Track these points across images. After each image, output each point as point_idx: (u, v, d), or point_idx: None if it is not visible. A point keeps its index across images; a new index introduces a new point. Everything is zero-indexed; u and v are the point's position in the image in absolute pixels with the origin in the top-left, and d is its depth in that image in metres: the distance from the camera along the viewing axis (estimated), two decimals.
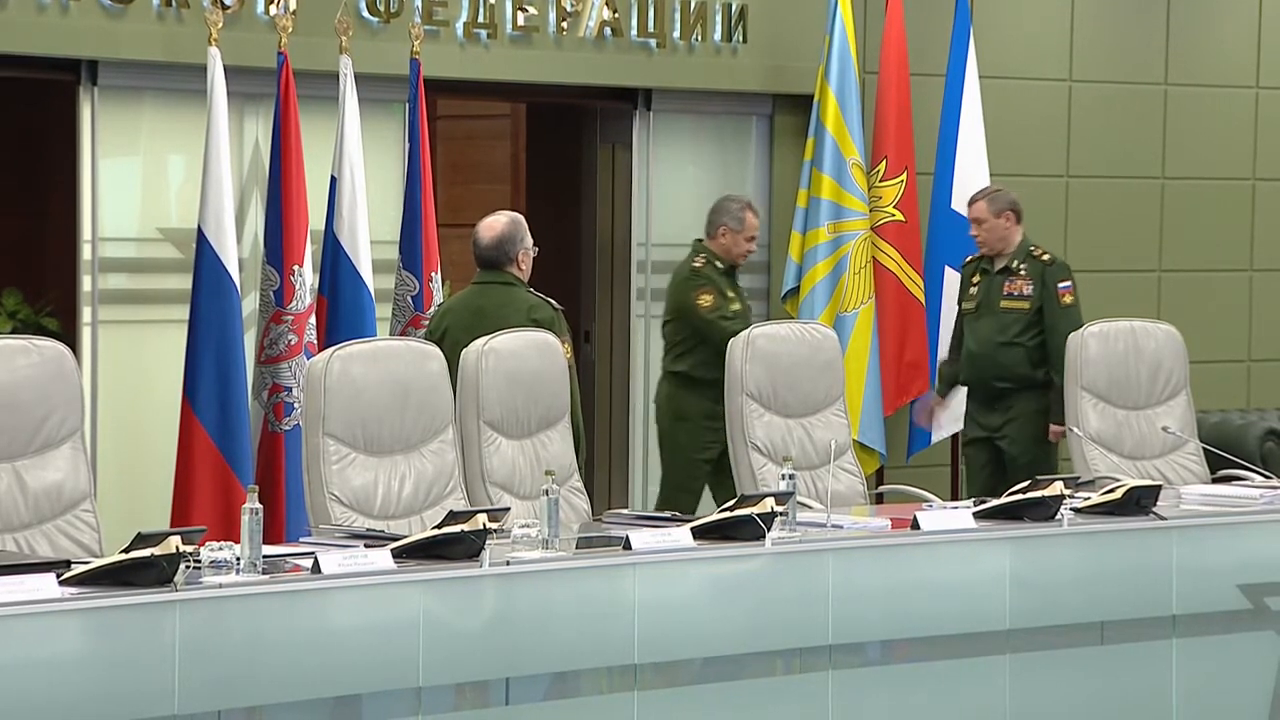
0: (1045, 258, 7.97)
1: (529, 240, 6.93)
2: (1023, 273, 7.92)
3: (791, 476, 5.69)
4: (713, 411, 7.43)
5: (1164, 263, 9.72)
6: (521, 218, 6.98)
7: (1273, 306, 9.52)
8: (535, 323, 6.67)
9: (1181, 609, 6.09)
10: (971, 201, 8.02)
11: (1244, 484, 6.77)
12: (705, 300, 7.75)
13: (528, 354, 6.41)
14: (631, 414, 8.76)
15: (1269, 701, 6.25)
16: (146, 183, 7.73)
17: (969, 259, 8.08)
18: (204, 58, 6.98)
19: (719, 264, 7.84)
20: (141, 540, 4.55)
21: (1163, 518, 6.11)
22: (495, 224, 6.87)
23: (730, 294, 7.83)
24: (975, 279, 8.01)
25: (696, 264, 7.85)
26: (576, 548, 5.29)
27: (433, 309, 7.36)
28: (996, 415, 8.00)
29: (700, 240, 7.92)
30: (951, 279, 8.73)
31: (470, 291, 6.94)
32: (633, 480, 8.70)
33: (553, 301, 6.87)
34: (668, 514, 6.13)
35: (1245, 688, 6.22)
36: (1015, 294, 7.92)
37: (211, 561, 4.68)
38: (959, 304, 8.14)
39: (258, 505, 4.76)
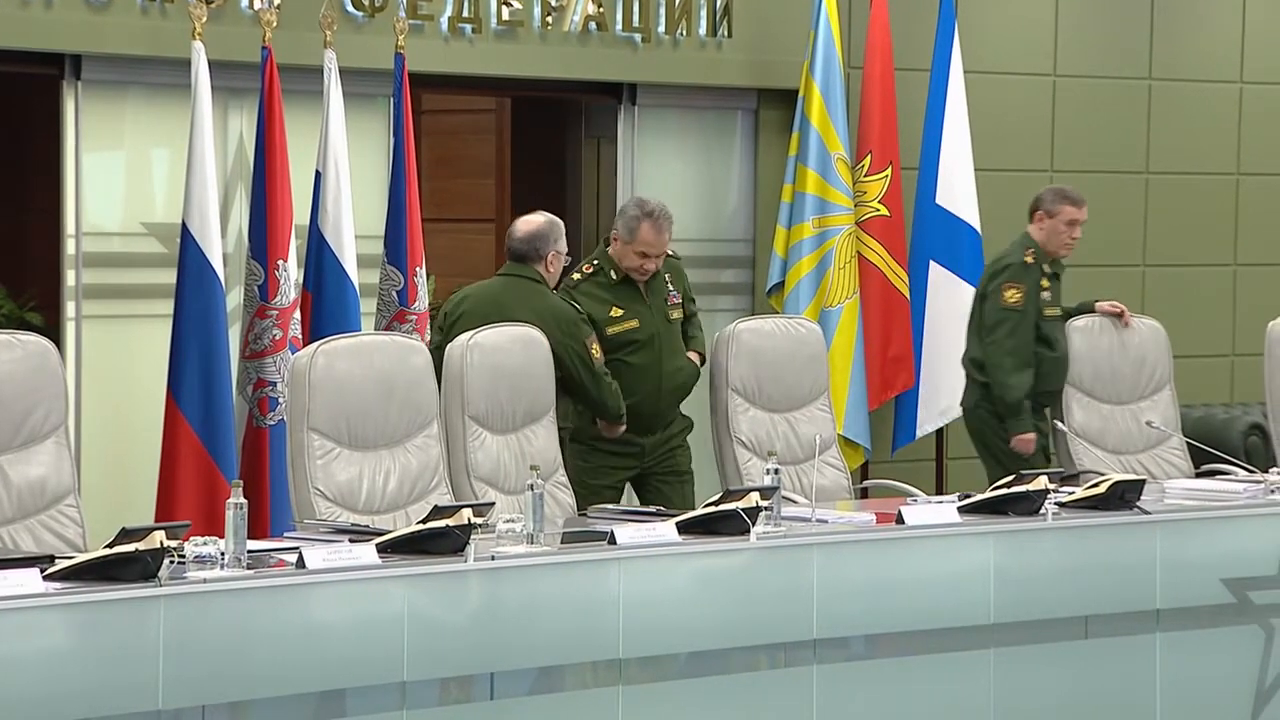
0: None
1: (563, 244, 6.81)
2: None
3: (776, 471, 5.69)
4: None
5: (1148, 257, 9.73)
6: (560, 222, 6.89)
7: (1256, 301, 9.53)
8: (557, 323, 6.62)
9: (1165, 603, 6.10)
10: (1082, 203, 7.66)
11: (1227, 478, 6.79)
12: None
13: (512, 349, 6.41)
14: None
15: (1252, 696, 6.26)
16: (130, 177, 7.72)
17: (1026, 263, 7.57)
18: (188, 52, 6.97)
19: (613, 275, 7.01)
20: (126, 535, 4.55)
21: (1147, 512, 6.12)
22: (533, 220, 6.85)
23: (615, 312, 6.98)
24: (1045, 285, 7.59)
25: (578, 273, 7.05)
26: (561, 542, 5.30)
27: (417, 303, 7.36)
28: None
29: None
30: (937, 274, 8.74)
31: (493, 282, 6.91)
32: None
33: (578, 305, 6.80)
34: (653, 509, 6.14)
35: (1229, 682, 6.23)
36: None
37: (196, 556, 4.68)
38: (1040, 311, 7.55)
39: (242, 500, 4.76)
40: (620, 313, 6.94)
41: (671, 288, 7.06)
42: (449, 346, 6.33)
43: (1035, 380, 7.48)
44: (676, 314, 7.05)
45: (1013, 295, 7.47)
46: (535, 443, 6.42)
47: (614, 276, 6.95)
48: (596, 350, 6.71)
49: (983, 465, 7.66)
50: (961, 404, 7.75)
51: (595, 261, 7.01)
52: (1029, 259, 7.56)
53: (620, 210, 7.14)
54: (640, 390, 6.91)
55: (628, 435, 6.85)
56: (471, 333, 6.39)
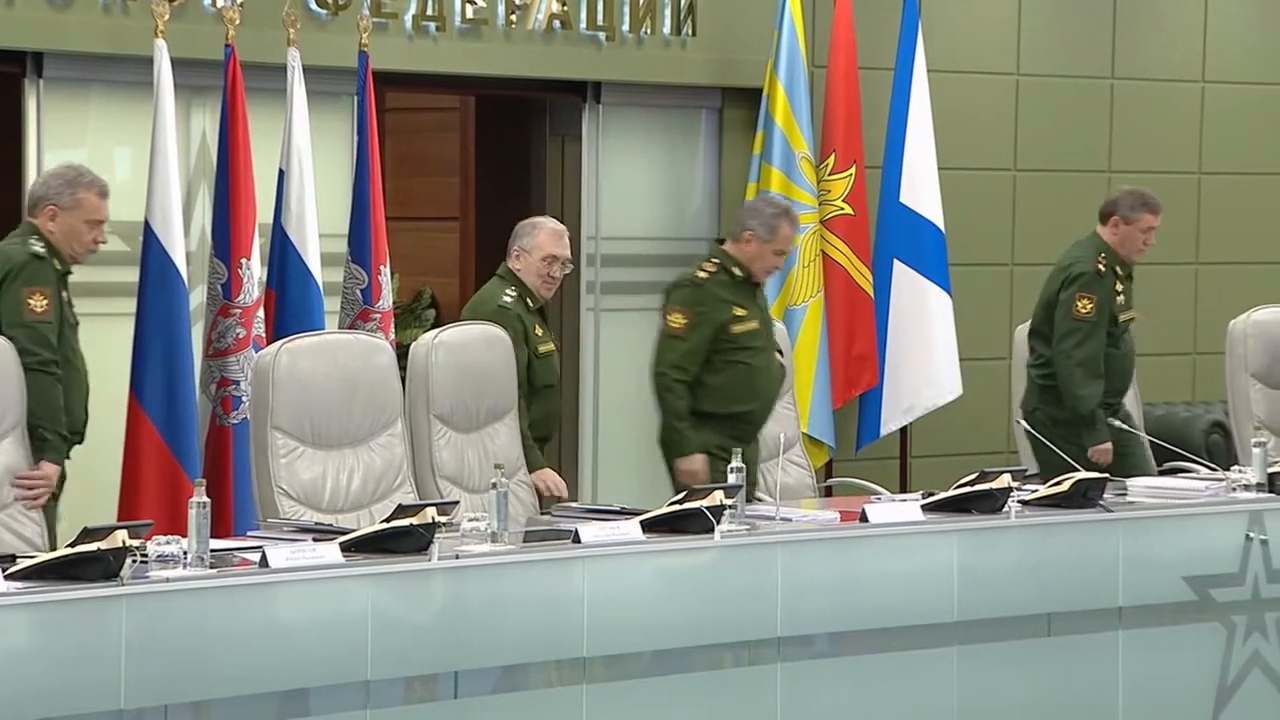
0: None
1: (530, 242, 6.71)
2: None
3: (741, 469, 5.70)
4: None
5: None
6: (545, 223, 6.81)
7: (1218, 300, 9.57)
8: (498, 316, 6.59)
9: (1127, 601, 6.12)
10: (1160, 209, 7.47)
11: (1189, 476, 6.82)
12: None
13: (476, 347, 6.41)
14: (580, 407, 8.76)
15: (1214, 693, 6.29)
16: None
17: (1099, 272, 7.38)
18: (150, 50, 6.94)
19: (735, 272, 6.86)
20: (88, 534, 4.53)
21: (1109, 510, 6.15)
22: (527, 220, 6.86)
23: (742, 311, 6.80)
24: (1119, 289, 7.41)
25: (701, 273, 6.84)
26: (525, 541, 5.29)
27: (381, 302, 7.35)
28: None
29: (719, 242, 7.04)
30: (901, 272, 8.76)
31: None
32: (581, 474, 8.70)
33: (529, 299, 6.68)
34: (617, 507, 6.13)
35: (1191, 679, 6.25)
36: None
37: (158, 555, 4.66)
38: (1115, 315, 7.39)
39: (205, 499, 4.74)
40: (744, 313, 6.81)
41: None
42: (414, 345, 6.34)
43: (1108, 380, 7.36)
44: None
45: (1085, 306, 7.32)
46: (498, 440, 6.42)
47: (736, 275, 6.80)
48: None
49: (1038, 469, 7.44)
50: (1021, 405, 7.62)
51: (716, 260, 6.83)
52: (1101, 267, 7.37)
53: (750, 210, 6.96)
54: (762, 394, 6.82)
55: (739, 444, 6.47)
56: (436, 331, 6.39)
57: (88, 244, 5.91)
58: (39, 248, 5.86)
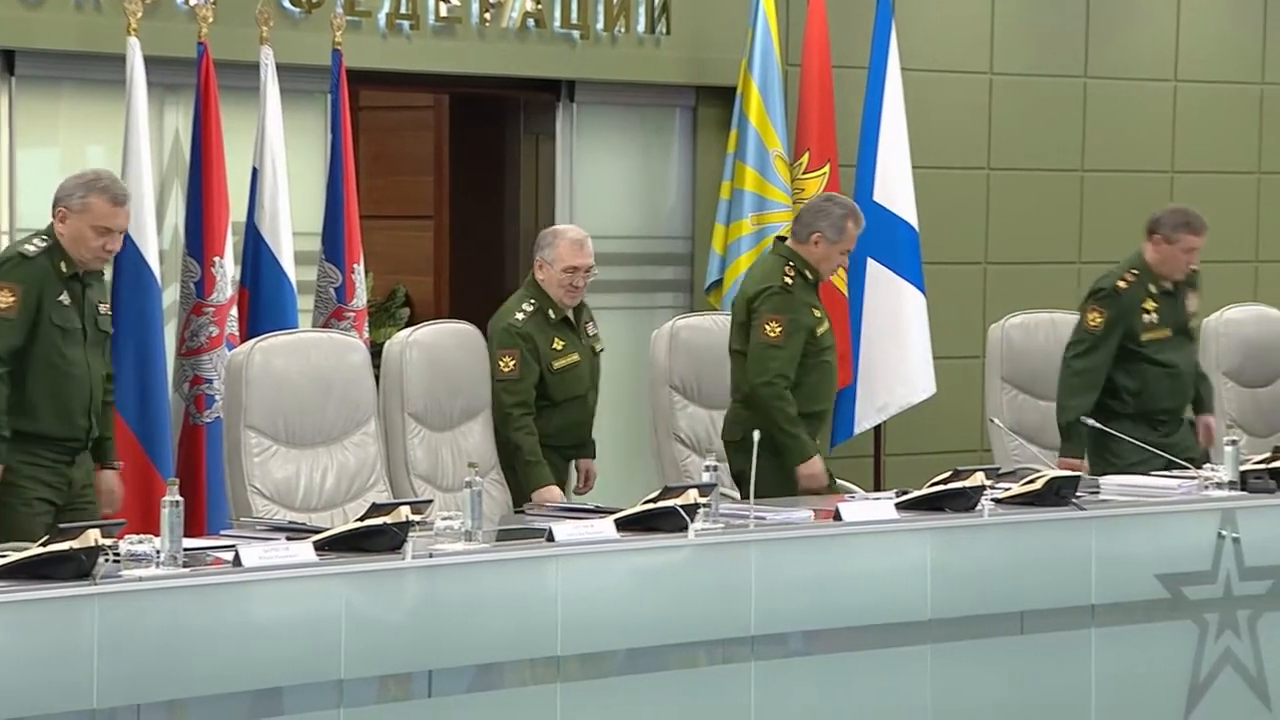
0: (1196, 266, 7.49)
1: (551, 254, 6.62)
2: (1190, 286, 7.45)
3: (715, 468, 5.70)
4: None
5: (1083, 254, 9.78)
6: (565, 233, 6.73)
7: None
8: (504, 338, 6.59)
9: (1100, 599, 6.14)
10: (1203, 230, 7.31)
11: (1162, 474, 6.83)
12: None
13: (449, 346, 6.41)
14: None
15: (1186, 690, 6.31)
16: (65, 173, 7.60)
17: (1118, 288, 7.27)
18: (123, 48, 6.93)
19: (808, 274, 6.80)
20: (60, 533, 4.52)
21: (1082, 508, 6.16)
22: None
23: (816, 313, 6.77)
24: (1150, 307, 7.30)
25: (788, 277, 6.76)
26: (499, 539, 5.29)
27: (354, 300, 7.34)
28: (1188, 435, 7.47)
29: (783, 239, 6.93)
30: (875, 271, 8.76)
31: None
32: None
33: (551, 311, 6.61)
34: (591, 505, 6.13)
35: (1163, 677, 6.27)
36: (1193, 310, 7.48)
37: (131, 554, 4.65)
38: (1136, 335, 7.27)
39: (178, 498, 4.74)
40: (820, 314, 6.81)
41: None
42: (388, 344, 6.33)
43: (1143, 398, 7.24)
44: None
45: (1095, 319, 7.26)
46: (472, 439, 6.42)
47: (809, 277, 6.78)
48: (507, 364, 6.57)
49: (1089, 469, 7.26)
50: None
51: (793, 265, 6.77)
52: (1122, 284, 7.29)
53: (816, 210, 6.86)
54: (833, 391, 6.92)
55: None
56: (410, 330, 6.39)
57: (95, 250, 5.74)
58: (33, 247, 5.79)
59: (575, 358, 6.67)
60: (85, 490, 5.85)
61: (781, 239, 6.95)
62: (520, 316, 6.61)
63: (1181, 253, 7.33)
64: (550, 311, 6.64)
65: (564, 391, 6.63)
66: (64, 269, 5.75)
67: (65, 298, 5.75)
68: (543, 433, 6.57)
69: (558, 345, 6.63)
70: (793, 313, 6.70)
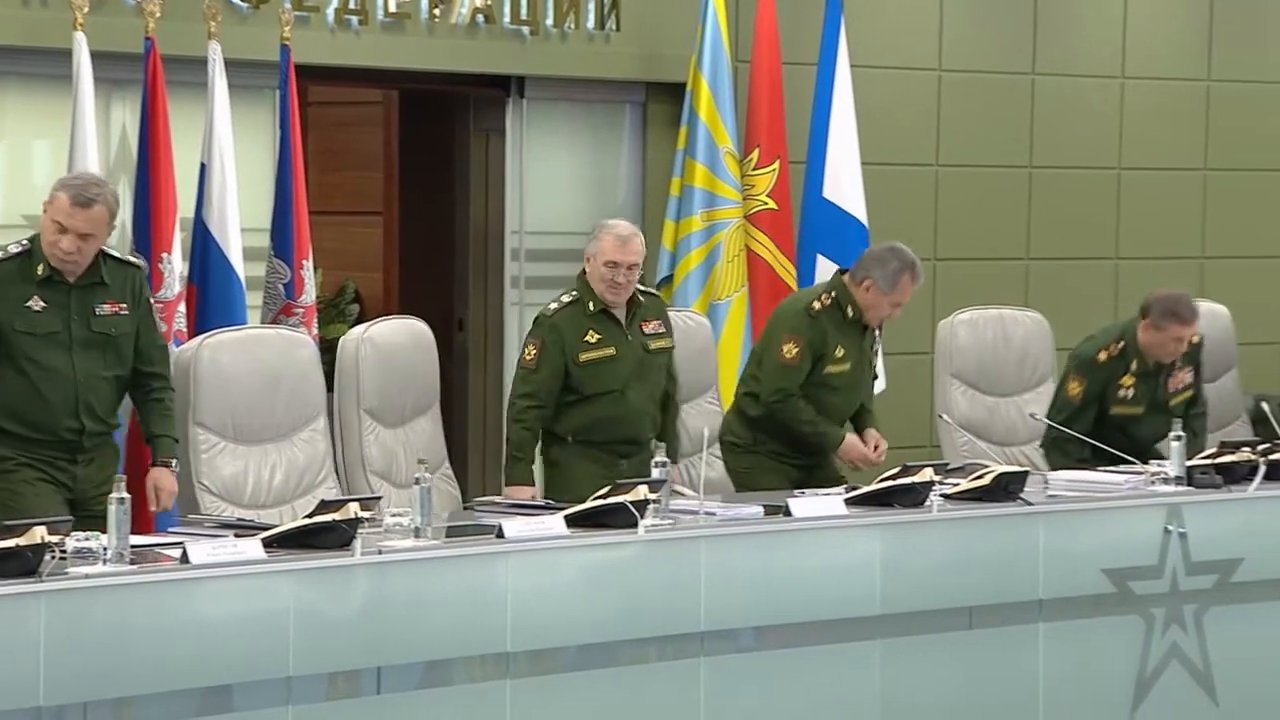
0: (1196, 338, 7.41)
1: (595, 247, 6.48)
2: (1178, 365, 7.33)
3: (664, 464, 5.70)
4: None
5: (1031, 251, 9.83)
6: (612, 227, 6.58)
7: (1137, 295, 9.57)
8: (534, 325, 6.59)
9: (1048, 593, 6.17)
10: (1191, 321, 7.19)
11: (1109, 469, 6.86)
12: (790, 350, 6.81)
13: (402, 342, 6.40)
14: (504, 401, 8.74)
15: (1133, 684, 6.34)
16: (11, 169, 7.62)
17: (1098, 360, 7.23)
18: (69, 42, 6.89)
19: (848, 311, 6.85)
20: (6, 531, 4.50)
21: (1030, 503, 6.19)
22: None
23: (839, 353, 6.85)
24: (1127, 382, 7.23)
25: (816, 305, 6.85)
26: (448, 536, 5.28)
27: (303, 296, 7.32)
28: None
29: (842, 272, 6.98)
30: (824, 267, 8.77)
31: None
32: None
33: (591, 303, 6.51)
34: (540, 502, 6.13)
35: (1110, 671, 6.30)
36: (1180, 388, 7.35)
37: (78, 552, 4.63)
38: (1109, 408, 7.21)
39: (125, 495, 4.71)
40: (841, 354, 6.86)
41: (878, 336, 7.07)
42: (343, 340, 6.32)
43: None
44: (875, 361, 7.10)
45: (1074, 388, 7.23)
46: (423, 435, 6.41)
47: (849, 314, 6.84)
48: (529, 352, 6.56)
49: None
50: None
51: (833, 295, 6.84)
52: (1103, 355, 7.25)
53: (875, 259, 6.87)
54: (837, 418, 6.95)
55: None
56: (365, 326, 6.38)
57: (49, 244, 5.57)
58: (2, 251, 5.70)
59: (610, 351, 6.54)
60: (102, 490, 5.70)
61: (843, 271, 7.01)
62: (554, 306, 6.57)
63: (1170, 340, 7.24)
64: (590, 304, 6.54)
65: (594, 385, 6.51)
66: (39, 272, 5.65)
67: (36, 302, 5.65)
68: (575, 426, 6.51)
69: (590, 338, 6.53)
70: (810, 335, 6.78)
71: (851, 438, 6.94)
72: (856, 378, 6.92)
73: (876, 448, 6.94)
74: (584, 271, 6.60)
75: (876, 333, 7.02)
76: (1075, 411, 7.20)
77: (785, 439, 6.81)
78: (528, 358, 6.54)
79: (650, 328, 6.65)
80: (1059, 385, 7.39)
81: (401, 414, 6.35)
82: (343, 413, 6.18)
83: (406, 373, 6.37)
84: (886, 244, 7.01)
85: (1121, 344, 7.27)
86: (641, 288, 6.69)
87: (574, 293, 6.59)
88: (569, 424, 6.53)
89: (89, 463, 5.68)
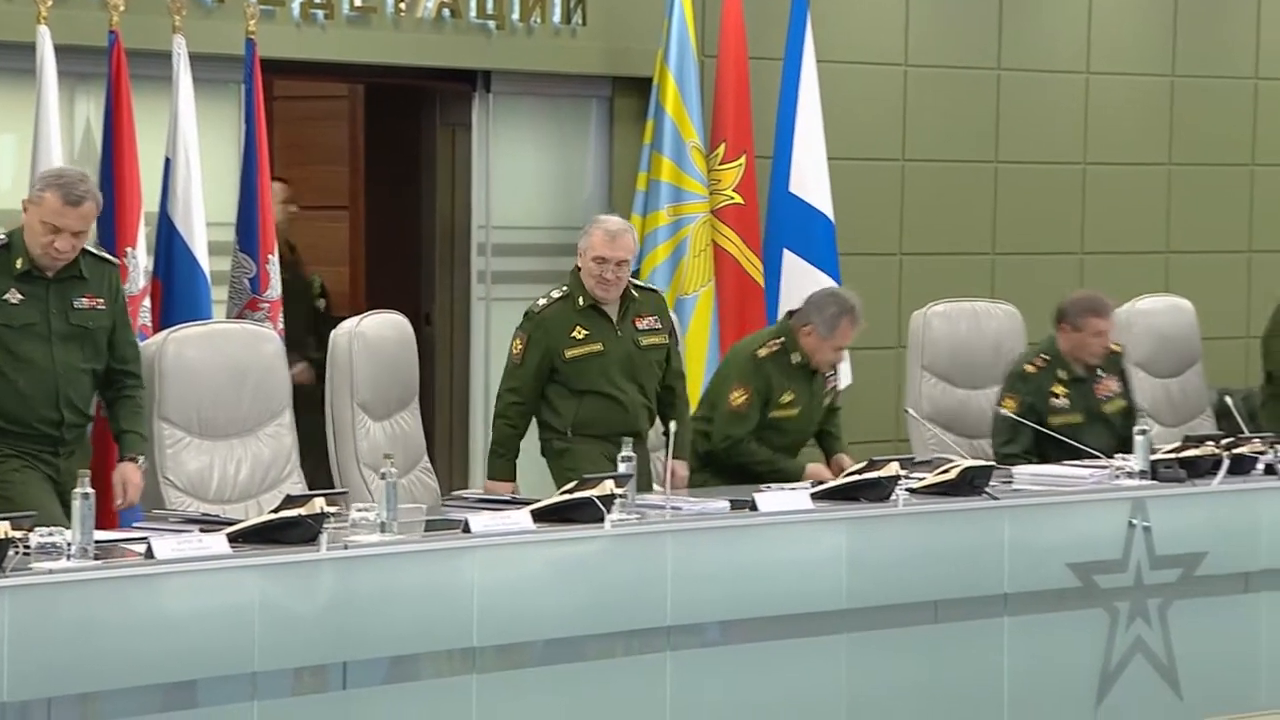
0: (1117, 346, 7.52)
1: (585, 242, 6.47)
2: (1102, 373, 7.43)
3: (630, 459, 5.71)
4: None
5: (997, 245, 9.86)
6: (603, 222, 6.57)
7: (1101, 287, 9.65)
8: (523, 319, 6.59)
9: (1013, 587, 6.19)
10: (1107, 312, 7.37)
11: (1074, 464, 6.88)
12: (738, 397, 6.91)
13: (388, 335, 6.44)
14: (472, 397, 8.74)
15: (1097, 677, 6.36)
16: None
17: (1025, 372, 7.33)
18: (33, 36, 6.86)
19: (794, 358, 6.96)
20: None
21: (995, 498, 6.21)
22: None
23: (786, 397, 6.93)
24: (1059, 391, 7.30)
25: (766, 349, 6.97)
26: (415, 531, 5.28)
27: (269, 291, 7.30)
28: None
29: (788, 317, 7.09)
30: (791, 262, 8.79)
31: None
32: (474, 463, 8.68)
33: (581, 298, 6.49)
34: (507, 496, 6.13)
35: (1074, 664, 6.33)
36: (1109, 395, 7.44)
37: (41, 547, 4.61)
38: (1046, 419, 7.22)
39: (90, 490, 4.70)
40: (789, 399, 6.95)
41: (833, 374, 7.11)
42: (334, 334, 6.33)
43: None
44: (829, 399, 7.11)
45: (1009, 404, 7.28)
46: (407, 428, 6.44)
47: (794, 360, 6.94)
48: (515, 347, 6.55)
49: None
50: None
51: (782, 341, 6.96)
52: (1030, 368, 7.34)
53: (814, 304, 6.98)
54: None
55: None
56: (356, 320, 6.40)
57: (44, 245, 5.56)
58: None
59: (597, 347, 6.52)
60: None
61: (791, 313, 7.09)
62: (543, 302, 6.56)
63: (1091, 337, 7.35)
64: (580, 299, 6.52)
65: (582, 381, 6.50)
66: (18, 265, 5.64)
67: (14, 295, 5.63)
68: (573, 420, 6.50)
69: (577, 334, 6.51)
70: (756, 382, 6.88)
71: (815, 466, 6.94)
72: (805, 421, 7.00)
73: (841, 469, 6.80)
74: (577, 267, 6.60)
75: (828, 376, 7.07)
76: (1016, 426, 7.22)
77: (738, 476, 6.76)
78: (514, 352, 6.55)
79: (644, 324, 6.64)
80: (996, 408, 7.40)
81: (388, 407, 6.37)
82: (335, 407, 6.20)
83: (393, 366, 6.41)
84: (828, 289, 7.16)
85: (1046, 356, 7.36)
86: (638, 283, 6.72)
87: (565, 288, 6.58)
88: (566, 418, 6.53)
89: (70, 455, 5.68)
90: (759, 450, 6.88)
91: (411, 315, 6.92)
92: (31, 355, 5.62)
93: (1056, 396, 7.32)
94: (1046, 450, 7.09)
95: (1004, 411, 7.25)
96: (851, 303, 6.97)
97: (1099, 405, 7.37)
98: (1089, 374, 7.39)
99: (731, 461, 6.90)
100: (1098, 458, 6.76)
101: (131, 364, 5.81)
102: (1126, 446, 6.85)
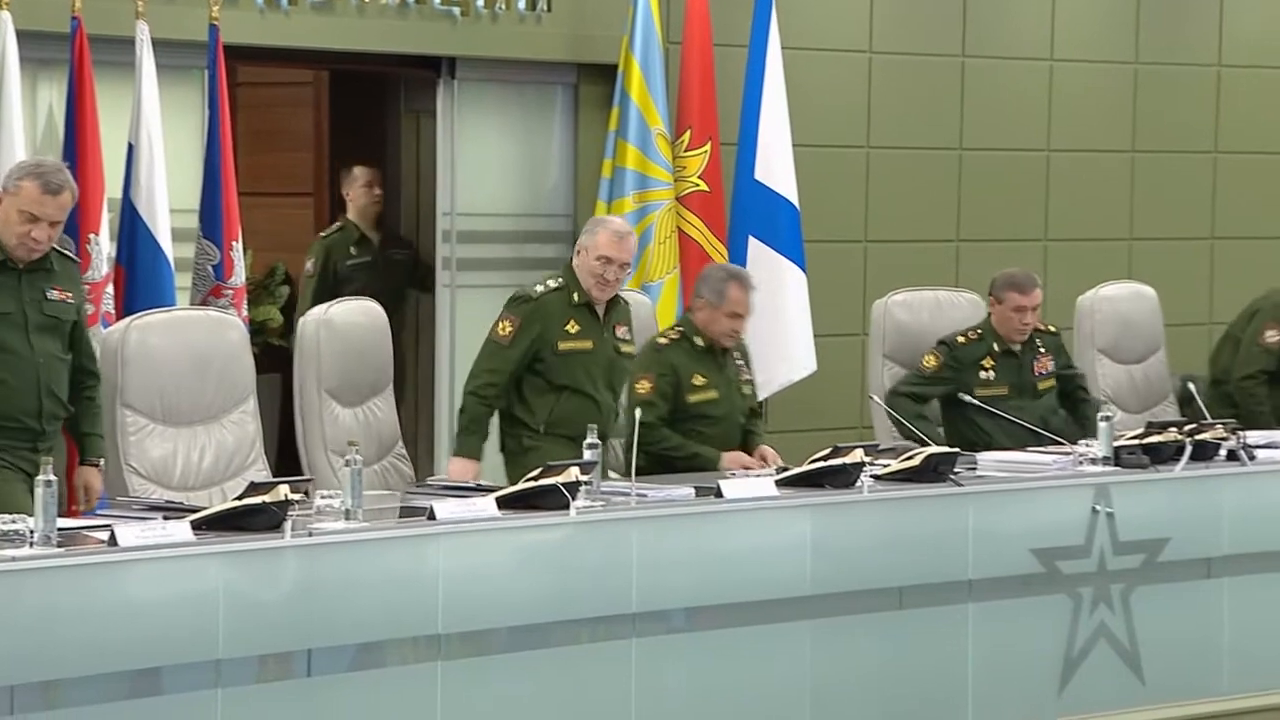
0: (1053, 329, 7.66)
1: (589, 240, 6.48)
2: (1043, 350, 7.53)
3: (596, 445, 5.71)
4: None
5: (961, 232, 9.88)
6: (608, 223, 6.63)
7: (1066, 276, 9.70)
8: (511, 303, 6.55)
9: (977, 573, 6.21)
10: (1030, 288, 7.48)
11: (1038, 450, 6.91)
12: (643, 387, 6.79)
13: (359, 321, 6.44)
14: (437, 384, 8.73)
15: (1061, 663, 6.39)
16: None
17: (958, 342, 7.48)
18: None
19: (697, 341, 6.87)
20: None
21: (959, 484, 6.22)
22: None
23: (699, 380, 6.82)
24: (988, 364, 7.44)
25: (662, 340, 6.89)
26: (380, 518, 5.28)
27: (233, 278, 7.28)
28: None
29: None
30: (756, 249, 8.79)
31: None
32: (439, 450, 8.67)
33: (575, 294, 6.49)
34: (474, 484, 6.13)
35: (1038, 650, 6.35)
36: (1044, 373, 7.54)
37: (4, 534, 4.60)
38: (973, 390, 7.34)
39: (52, 477, 4.68)
40: (703, 381, 6.82)
41: (744, 366, 6.99)
42: (302, 321, 6.32)
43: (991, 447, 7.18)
44: (748, 390, 7.02)
45: (930, 361, 7.44)
46: (380, 414, 6.44)
47: (698, 344, 6.84)
48: (504, 328, 6.51)
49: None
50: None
51: (681, 329, 6.91)
52: (962, 339, 7.46)
53: (701, 277, 7.00)
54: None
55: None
56: (324, 307, 6.40)
57: (20, 236, 5.51)
58: None
59: (588, 345, 6.52)
60: (63, 480, 5.64)
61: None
62: (540, 289, 6.54)
63: (1011, 312, 7.46)
64: (575, 294, 6.51)
65: (565, 377, 6.49)
66: None
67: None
68: (547, 417, 6.49)
69: (571, 328, 6.51)
70: (658, 369, 6.76)
71: (733, 454, 6.81)
72: (728, 406, 6.89)
73: (764, 459, 6.78)
74: (570, 262, 6.59)
75: (739, 361, 7.00)
76: (924, 381, 7.43)
77: (657, 465, 6.68)
78: (503, 332, 6.49)
79: (620, 332, 6.68)
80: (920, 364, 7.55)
81: (359, 394, 6.37)
82: (303, 393, 6.20)
83: (364, 353, 6.40)
84: (712, 264, 7.23)
85: (979, 331, 7.52)
86: (622, 291, 6.69)
87: (560, 279, 6.57)
88: (540, 415, 6.51)
89: (48, 450, 5.65)
90: (670, 437, 6.76)
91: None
92: (11, 344, 5.60)
93: (984, 369, 7.43)
94: (966, 414, 7.31)
95: (924, 364, 7.47)
96: (736, 269, 7.08)
97: (1033, 382, 7.49)
98: (1027, 349, 7.49)
99: (645, 449, 6.71)
100: (1015, 423, 7.00)
101: (92, 363, 5.81)
102: (1051, 426, 7.09)
